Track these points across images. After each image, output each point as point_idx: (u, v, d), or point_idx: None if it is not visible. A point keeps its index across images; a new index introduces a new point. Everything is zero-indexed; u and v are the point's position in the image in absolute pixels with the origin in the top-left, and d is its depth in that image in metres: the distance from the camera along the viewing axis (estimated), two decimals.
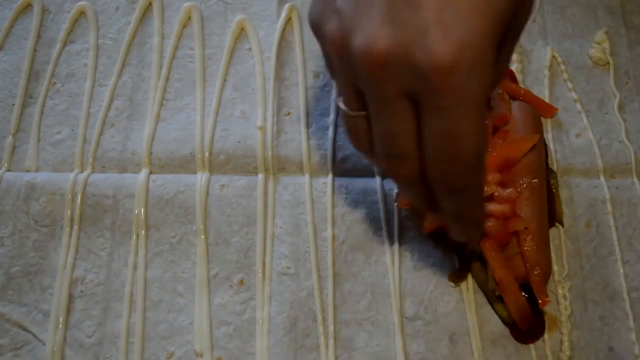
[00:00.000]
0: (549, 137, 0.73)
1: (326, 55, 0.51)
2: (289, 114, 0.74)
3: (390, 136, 0.50)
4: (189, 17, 0.79)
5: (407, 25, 0.45)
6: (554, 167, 0.72)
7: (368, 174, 0.71)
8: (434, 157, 0.48)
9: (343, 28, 0.48)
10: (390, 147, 0.50)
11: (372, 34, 0.46)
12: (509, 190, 0.64)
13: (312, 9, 0.51)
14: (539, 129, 0.70)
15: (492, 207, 0.64)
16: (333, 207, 0.69)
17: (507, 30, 0.47)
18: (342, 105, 0.51)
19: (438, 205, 0.53)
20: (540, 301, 0.62)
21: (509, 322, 0.65)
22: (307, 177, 0.71)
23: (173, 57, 0.77)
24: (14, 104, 0.75)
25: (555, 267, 0.67)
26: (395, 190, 0.70)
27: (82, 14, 0.80)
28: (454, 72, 0.45)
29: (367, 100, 0.49)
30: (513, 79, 0.74)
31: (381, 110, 0.49)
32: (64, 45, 0.78)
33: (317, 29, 0.51)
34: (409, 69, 0.46)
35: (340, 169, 0.71)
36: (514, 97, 0.72)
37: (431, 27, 0.45)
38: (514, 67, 0.76)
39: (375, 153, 0.52)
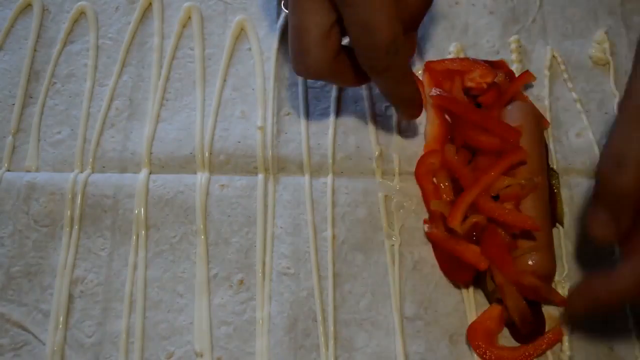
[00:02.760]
0: (548, 137, 0.73)
1: None
2: (289, 114, 0.74)
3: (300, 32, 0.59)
4: (189, 17, 0.79)
5: None
6: (554, 167, 0.71)
7: (368, 173, 0.71)
8: (355, 45, 0.59)
9: None
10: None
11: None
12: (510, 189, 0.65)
13: None
14: (539, 129, 0.70)
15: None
16: (333, 207, 0.69)
17: None
18: None
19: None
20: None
21: (508, 323, 0.65)
22: (307, 177, 0.71)
23: (173, 57, 0.77)
24: (14, 104, 0.75)
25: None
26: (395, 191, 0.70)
27: (82, 14, 0.80)
28: None
29: None
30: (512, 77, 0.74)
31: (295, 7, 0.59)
32: (64, 45, 0.78)
33: None
34: None
35: (340, 169, 0.71)
36: (513, 99, 0.72)
37: None
38: (513, 67, 0.75)
39: None
